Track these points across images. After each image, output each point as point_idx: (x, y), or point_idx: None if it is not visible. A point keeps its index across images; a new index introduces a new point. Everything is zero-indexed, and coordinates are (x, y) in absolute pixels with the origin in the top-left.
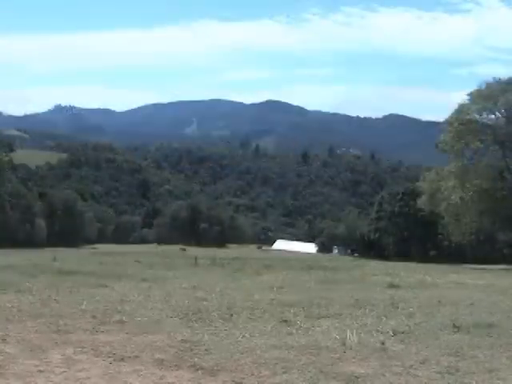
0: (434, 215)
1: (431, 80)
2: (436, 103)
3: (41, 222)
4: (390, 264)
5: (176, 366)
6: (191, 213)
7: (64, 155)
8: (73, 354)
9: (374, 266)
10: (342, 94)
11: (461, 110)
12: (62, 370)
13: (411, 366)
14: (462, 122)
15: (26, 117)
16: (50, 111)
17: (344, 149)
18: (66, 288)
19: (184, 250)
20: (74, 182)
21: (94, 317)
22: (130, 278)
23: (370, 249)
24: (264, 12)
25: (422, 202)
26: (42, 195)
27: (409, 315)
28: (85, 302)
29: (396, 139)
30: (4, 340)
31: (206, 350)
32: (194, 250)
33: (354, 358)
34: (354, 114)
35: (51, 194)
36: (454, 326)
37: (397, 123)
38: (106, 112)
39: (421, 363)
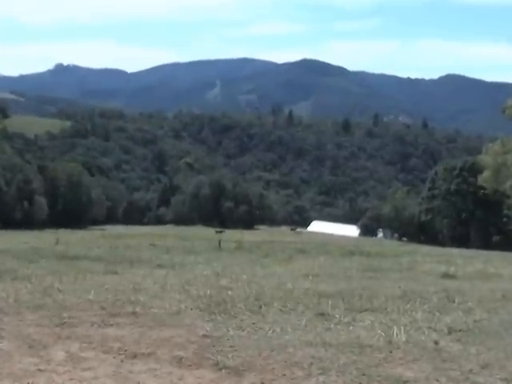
0: (497, 194)
1: (499, 34)
2: (504, 61)
3: (41, 200)
4: (445, 250)
5: (196, 364)
6: (214, 190)
7: (67, 123)
8: (78, 351)
9: (426, 252)
10: (390, 52)
11: None
12: (66, 368)
13: (470, 371)
14: None
15: (22, 78)
16: (50, 72)
17: (392, 116)
18: (70, 275)
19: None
20: (79, 153)
21: (102, 308)
22: (143, 263)
23: (420, 233)
24: None
25: (483, 178)
26: (41, 168)
27: (467, 311)
28: (92, 292)
29: (454, 104)
30: None
31: (230, 346)
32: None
33: (401, 358)
34: (404, 75)
35: (53, 167)
36: None
37: (455, 85)
38: (116, 73)
39: (482, 367)
